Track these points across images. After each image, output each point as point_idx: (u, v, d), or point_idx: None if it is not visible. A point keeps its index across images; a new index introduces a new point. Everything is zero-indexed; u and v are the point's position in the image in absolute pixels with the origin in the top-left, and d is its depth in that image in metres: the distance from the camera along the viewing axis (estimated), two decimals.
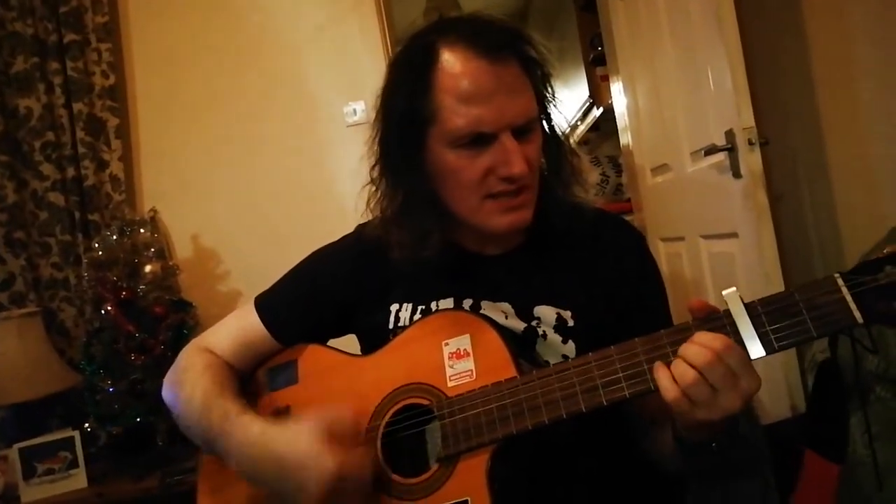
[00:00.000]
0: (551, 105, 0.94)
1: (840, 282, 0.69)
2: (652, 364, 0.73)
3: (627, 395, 0.75)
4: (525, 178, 0.87)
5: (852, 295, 0.68)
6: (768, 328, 0.71)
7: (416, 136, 0.88)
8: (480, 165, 0.86)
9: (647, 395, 0.75)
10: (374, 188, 0.96)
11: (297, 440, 0.81)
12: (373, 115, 0.95)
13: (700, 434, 0.76)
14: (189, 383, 0.96)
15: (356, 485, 0.80)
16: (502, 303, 0.94)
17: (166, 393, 1.01)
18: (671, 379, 0.71)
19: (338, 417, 0.83)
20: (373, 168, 0.95)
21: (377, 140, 0.93)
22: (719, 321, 0.73)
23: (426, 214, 0.91)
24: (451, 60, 0.84)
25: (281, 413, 0.97)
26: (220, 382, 0.95)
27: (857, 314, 0.67)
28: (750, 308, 0.72)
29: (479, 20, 0.89)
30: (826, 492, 0.90)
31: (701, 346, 0.70)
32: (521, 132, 0.86)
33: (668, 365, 0.73)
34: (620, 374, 0.76)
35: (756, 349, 0.71)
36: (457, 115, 0.84)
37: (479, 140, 0.85)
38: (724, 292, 0.73)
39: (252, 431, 0.85)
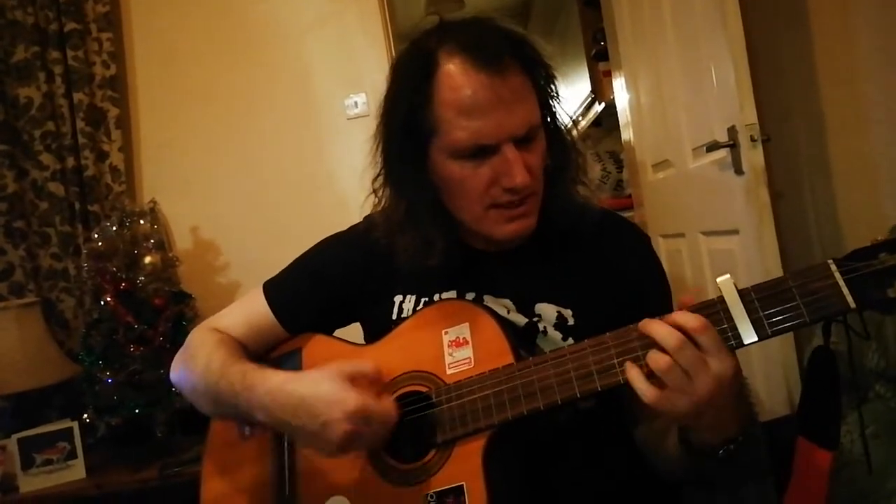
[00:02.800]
0: (556, 104, 0.94)
1: (833, 267, 0.69)
2: (646, 351, 0.73)
3: (621, 381, 0.75)
4: (528, 188, 0.87)
5: (845, 280, 0.68)
6: (761, 314, 0.71)
7: (419, 147, 0.88)
8: (483, 176, 0.86)
9: None
10: (376, 199, 0.97)
11: (320, 381, 0.83)
12: (373, 108, 0.96)
13: (709, 437, 0.76)
14: (204, 355, 0.98)
15: (379, 426, 0.82)
16: (504, 299, 0.95)
17: (176, 371, 1.02)
18: (644, 379, 0.72)
19: (359, 366, 0.85)
20: (375, 179, 0.96)
21: (379, 151, 0.94)
22: (713, 307, 0.73)
23: (430, 224, 0.91)
24: (450, 73, 0.84)
25: None
26: (235, 353, 0.97)
27: (850, 299, 0.68)
28: (743, 294, 0.72)
29: (480, 26, 0.88)
30: (818, 480, 0.90)
31: (671, 328, 0.70)
32: (523, 141, 0.86)
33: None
34: (615, 360, 0.76)
35: (749, 335, 0.71)
36: (457, 129, 0.84)
37: (481, 151, 0.85)
38: (718, 279, 0.73)
39: (275, 380, 0.87)
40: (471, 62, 0.83)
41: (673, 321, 0.72)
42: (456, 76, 0.84)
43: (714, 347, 0.70)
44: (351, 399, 0.80)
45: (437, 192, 0.91)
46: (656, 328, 0.72)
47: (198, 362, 0.98)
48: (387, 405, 0.83)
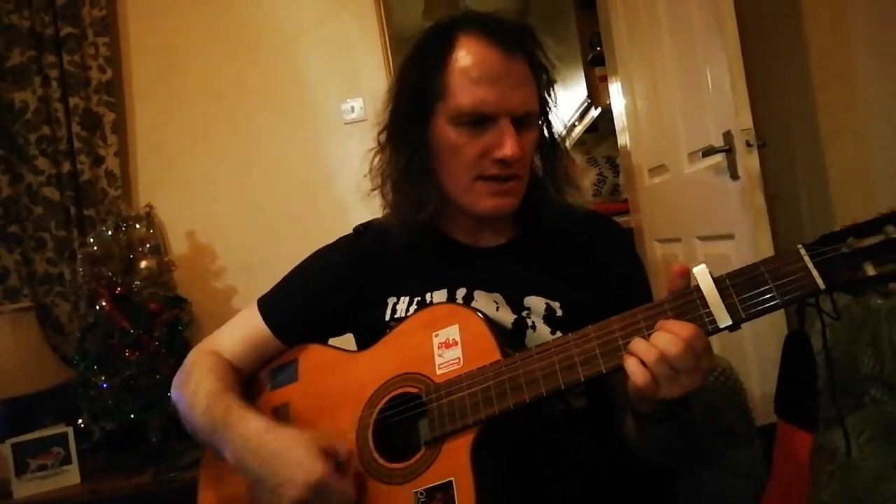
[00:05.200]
0: (551, 110, 1.00)
1: (803, 252, 0.71)
2: (627, 340, 0.76)
3: (604, 371, 0.77)
4: (516, 165, 0.93)
5: (814, 263, 0.70)
6: (736, 299, 0.73)
7: (424, 109, 0.95)
8: (477, 146, 0.92)
9: (623, 370, 0.76)
10: (378, 153, 1.03)
11: (294, 442, 0.84)
12: (370, 113, 0.99)
13: (654, 406, 0.79)
14: (194, 381, 1.00)
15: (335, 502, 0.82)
16: (494, 293, 0.98)
17: (174, 392, 1.04)
18: (640, 363, 0.74)
19: (336, 444, 0.86)
20: (381, 133, 1.02)
21: (389, 109, 1.00)
22: (690, 295, 0.76)
23: (424, 181, 0.97)
24: (466, 44, 0.92)
25: (280, 409, 1.01)
26: (224, 381, 0.99)
27: (820, 280, 0.70)
28: (718, 281, 0.75)
29: (499, 18, 0.96)
30: (800, 461, 0.90)
31: (671, 335, 0.73)
32: (519, 123, 0.92)
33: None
34: (598, 352, 0.78)
35: (724, 319, 0.73)
36: (463, 94, 0.91)
37: (479, 121, 0.91)
38: (694, 269, 0.76)
39: (254, 425, 0.89)
40: (487, 39, 0.91)
41: (670, 330, 0.73)
42: (472, 46, 0.92)
43: (705, 350, 0.73)
44: (316, 470, 0.80)
45: (433, 159, 0.97)
46: (658, 336, 0.74)
47: (188, 388, 1.00)
48: (347, 487, 0.83)
